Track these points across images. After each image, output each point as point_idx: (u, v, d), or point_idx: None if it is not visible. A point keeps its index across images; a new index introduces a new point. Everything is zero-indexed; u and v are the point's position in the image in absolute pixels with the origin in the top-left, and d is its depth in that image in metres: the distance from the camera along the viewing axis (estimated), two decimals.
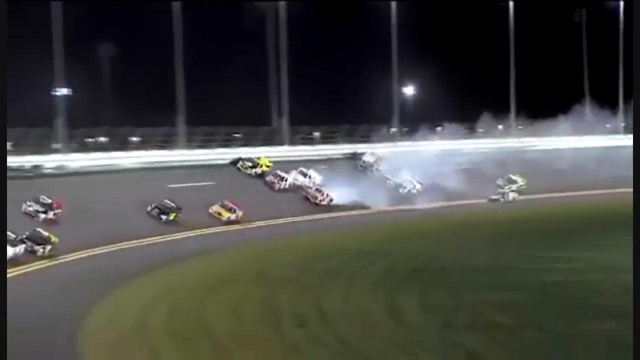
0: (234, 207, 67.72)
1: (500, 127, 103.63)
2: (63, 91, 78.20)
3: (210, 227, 65.74)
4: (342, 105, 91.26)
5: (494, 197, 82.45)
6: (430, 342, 35.38)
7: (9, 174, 68.99)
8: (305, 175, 78.68)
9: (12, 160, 71.29)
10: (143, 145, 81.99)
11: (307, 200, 75.87)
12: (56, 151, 77.05)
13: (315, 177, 78.67)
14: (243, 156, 80.00)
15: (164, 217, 64.68)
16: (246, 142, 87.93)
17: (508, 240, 62.17)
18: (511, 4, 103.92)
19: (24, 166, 71.94)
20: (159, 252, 56.94)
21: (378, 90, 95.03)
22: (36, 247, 52.77)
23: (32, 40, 76.21)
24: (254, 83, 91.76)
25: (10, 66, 75.01)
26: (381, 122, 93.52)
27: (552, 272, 49.31)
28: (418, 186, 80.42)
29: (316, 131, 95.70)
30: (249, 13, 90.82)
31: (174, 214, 64.38)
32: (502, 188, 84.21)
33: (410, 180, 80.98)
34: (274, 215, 69.68)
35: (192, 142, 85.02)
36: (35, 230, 53.77)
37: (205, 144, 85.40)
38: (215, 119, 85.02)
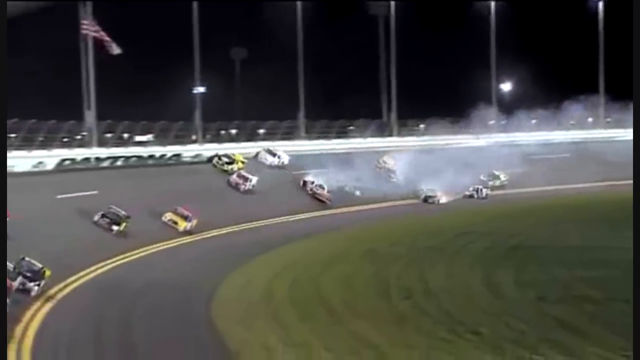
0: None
1: (589, 119, 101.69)
2: (200, 89, 79.45)
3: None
4: (446, 100, 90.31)
5: (467, 193, 77.10)
6: (525, 313, 34.98)
7: (152, 162, 70.41)
8: (274, 155, 73.61)
9: (156, 150, 72.74)
10: (268, 136, 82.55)
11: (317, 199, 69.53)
12: (194, 142, 78.23)
13: (284, 157, 73.67)
14: (220, 152, 72.21)
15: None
16: (359, 134, 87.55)
17: (596, 221, 60.86)
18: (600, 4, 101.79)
19: (165, 155, 73.17)
20: (286, 230, 57.14)
21: (477, 85, 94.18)
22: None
23: (174, 45, 77.69)
24: (367, 81, 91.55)
25: (155, 68, 76.70)
26: (480, 115, 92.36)
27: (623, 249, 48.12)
28: (504, 178, 79.51)
29: (422, 123, 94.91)
30: (363, 16, 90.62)
31: None
32: (486, 183, 79.50)
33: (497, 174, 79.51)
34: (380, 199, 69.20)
35: (312, 134, 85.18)
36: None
37: (323, 135, 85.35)
38: (332, 113, 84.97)
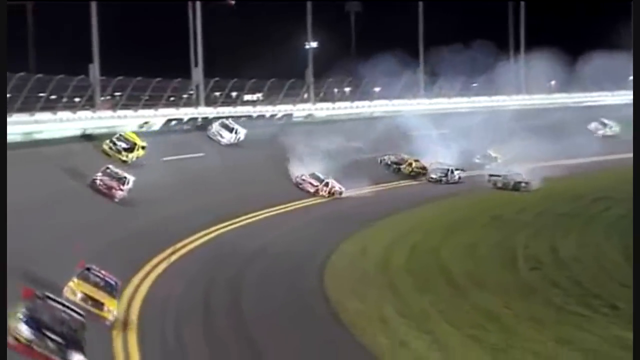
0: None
1: None
2: (312, 45, 79.37)
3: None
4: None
5: (433, 176, 64.59)
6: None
7: (262, 122, 70.84)
8: (231, 129, 63.59)
9: (266, 109, 73.14)
10: (383, 95, 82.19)
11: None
12: (305, 101, 78.32)
13: (241, 132, 63.71)
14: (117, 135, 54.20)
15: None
16: (484, 92, 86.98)
17: None
18: None
19: (276, 115, 73.45)
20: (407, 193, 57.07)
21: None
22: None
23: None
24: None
25: (265, 23, 76.57)
26: None
27: None
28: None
29: None
30: None
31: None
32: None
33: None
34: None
35: (429, 92, 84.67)
36: None
37: (442, 94, 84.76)
38: (452, 71, 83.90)
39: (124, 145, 52.21)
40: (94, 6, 61.89)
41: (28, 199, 35.79)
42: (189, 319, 28.37)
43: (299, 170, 55.96)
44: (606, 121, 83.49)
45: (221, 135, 62.10)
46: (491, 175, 62.25)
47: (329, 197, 54.54)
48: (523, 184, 60.20)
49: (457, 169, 64.72)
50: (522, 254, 40.32)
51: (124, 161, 50.42)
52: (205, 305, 30.28)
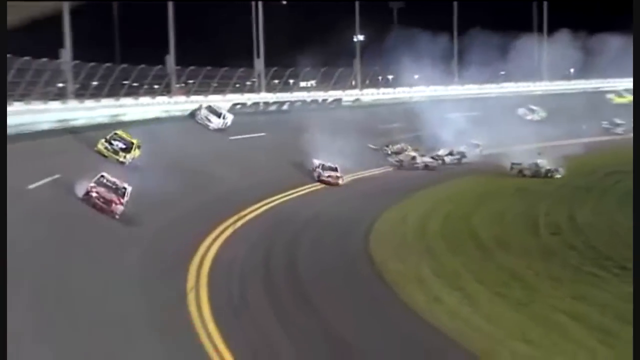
0: None
1: None
2: (360, 37, 79.46)
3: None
4: None
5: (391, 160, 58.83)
6: None
7: (315, 106, 70.95)
8: (219, 115, 57.26)
9: (318, 95, 73.42)
10: (422, 82, 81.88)
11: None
12: (354, 87, 78.48)
13: (228, 118, 57.59)
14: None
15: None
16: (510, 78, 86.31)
17: None
18: None
19: (327, 99, 73.67)
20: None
21: None
22: None
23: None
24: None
25: (318, 18, 76.44)
26: None
27: None
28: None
29: None
30: None
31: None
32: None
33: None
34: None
35: (464, 79, 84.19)
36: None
37: (475, 80, 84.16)
38: (482, 59, 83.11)
39: (120, 145, 43.17)
40: (170, 6, 62.61)
41: None
42: (252, 277, 28.59)
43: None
44: (534, 107, 79.26)
45: (209, 120, 56.03)
46: (514, 164, 55.88)
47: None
48: (554, 171, 54.86)
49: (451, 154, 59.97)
50: (543, 221, 40.15)
51: (122, 162, 41.93)
52: (265, 266, 30.41)
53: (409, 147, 59.67)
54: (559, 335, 23.41)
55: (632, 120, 19.80)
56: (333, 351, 21.99)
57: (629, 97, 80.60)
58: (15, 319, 18.02)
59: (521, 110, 76.67)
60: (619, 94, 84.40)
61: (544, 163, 55.25)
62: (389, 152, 59.19)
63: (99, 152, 42.50)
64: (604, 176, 53.25)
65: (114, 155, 42.27)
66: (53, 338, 19.88)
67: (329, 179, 48.54)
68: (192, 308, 23.92)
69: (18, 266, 21.25)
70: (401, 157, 58.05)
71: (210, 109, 57.76)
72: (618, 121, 76.15)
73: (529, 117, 76.42)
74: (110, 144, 42.89)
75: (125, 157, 42.57)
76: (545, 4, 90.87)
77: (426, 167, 57.45)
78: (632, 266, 13.71)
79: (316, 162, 49.85)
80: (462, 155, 60.48)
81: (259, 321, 23.88)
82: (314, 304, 26.12)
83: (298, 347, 21.82)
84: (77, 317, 21.44)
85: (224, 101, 65.06)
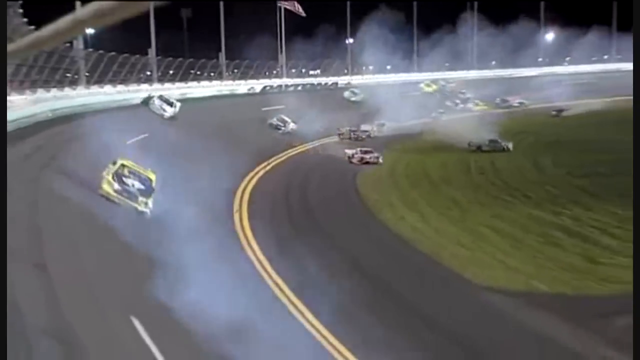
0: None
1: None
2: (350, 40, 78.00)
3: None
4: None
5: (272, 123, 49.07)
6: (558, 182, 34.09)
7: (320, 87, 70.37)
8: (171, 104, 45.53)
9: (322, 79, 72.69)
10: (395, 70, 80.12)
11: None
12: (346, 74, 77.32)
13: (177, 105, 45.55)
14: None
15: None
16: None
17: (603, 125, 57.24)
18: None
19: (328, 83, 72.91)
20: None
21: None
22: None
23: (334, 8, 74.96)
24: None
25: (324, 24, 73.76)
26: None
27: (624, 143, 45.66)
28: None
29: None
30: None
31: None
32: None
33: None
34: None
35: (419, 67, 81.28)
36: None
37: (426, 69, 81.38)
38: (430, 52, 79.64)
39: (137, 184, 22.67)
40: (221, 16, 62.16)
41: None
42: (277, 203, 28.86)
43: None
44: (356, 90, 66.33)
45: (164, 110, 44.43)
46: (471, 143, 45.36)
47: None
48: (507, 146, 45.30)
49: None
50: (474, 166, 40.07)
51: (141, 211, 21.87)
52: (285, 196, 30.62)
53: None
54: (483, 242, 23.78)
55: (633, 119, 19.30)
56: (324, 240, 22.59)
57: (434, 87, 71.30)
58: None
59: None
60: (427, 84, 71.74)
61: (499, 139, 46.16)
62: (273, 124, 49.14)
63: (107, 196, 21.61)
64: (512, 136, 52.83)
65: (129, 202, 21.71)
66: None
67: (371, 159, 39.63)
68: (236, 218, 24.61)
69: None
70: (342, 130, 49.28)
71: (163, 99, 46.20)
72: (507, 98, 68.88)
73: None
74: (122, 182, 22.10)
75: (146, 203, 21.93)
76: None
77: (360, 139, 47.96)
78: (633, 266, 13.57)
79: (349, 151, 40.98)
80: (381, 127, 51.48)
81: (277, 223, 24.36)
82: (316, 218, 26.43)
83: (302, 241, 22.25)
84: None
85: (257, 84, 64.91)
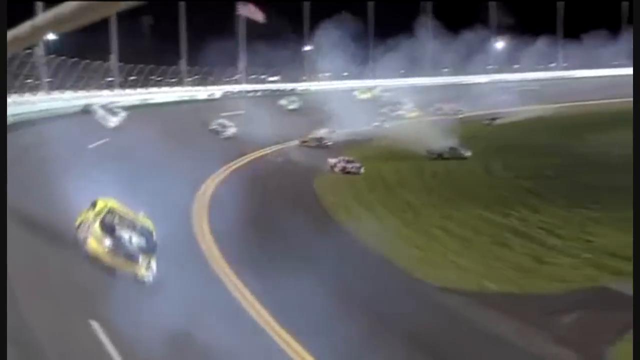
0: None
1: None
2: (307, 48, 78.12)
3: None
4: None
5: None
6: (507, 185, 34.55)
7: (279, 93, 70.26)
8: (115, 113, 42.27)
9: (281, 86, 72.59)
10: (349, 77, 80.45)
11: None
12: (305, 81, 77.46)
13: (122, 114, 42.30)
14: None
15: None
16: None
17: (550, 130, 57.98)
18: None
19: (286, 89, 72.84)
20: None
21: None
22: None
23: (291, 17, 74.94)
24: None
25: (283, 33, 73.48)
26: None
27: (582, 146, 46.63)
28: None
29: None
30: None
31: None
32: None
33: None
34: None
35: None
36: None
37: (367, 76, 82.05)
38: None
39: (135, 239, 16.01)
40: (182, 28, 61.82)
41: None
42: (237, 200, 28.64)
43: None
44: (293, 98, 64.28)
45: (108, 120, 41.10)
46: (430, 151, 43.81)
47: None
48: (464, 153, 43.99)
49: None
50: (427, 171, 40.13)
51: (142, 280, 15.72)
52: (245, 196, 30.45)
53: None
54: (436, 242, 23.95)
55: (633, 120, 19.28)
56: (280, 242, 22.34)
57: (369, 94, 69.08)
58: None
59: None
60: (361, 91, 69.78)
61: (458, 146, 44.38)
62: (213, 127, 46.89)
63: (95, 258, 15.61)
64: (465, 141, 53.08)
65: (126, 266, 15.70)
66: None
67: (352, 169, 38.14)
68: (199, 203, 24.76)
69: None
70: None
71: (106, 108, 42.84)
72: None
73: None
74: (114, 235, 15.85)
75: (149, 265, 15.91)
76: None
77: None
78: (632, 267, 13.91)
79: (332, 160, 39.10)
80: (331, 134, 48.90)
81: (231, 210, 24.32)
82: (277, 218, 26.19)
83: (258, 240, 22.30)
84: None
85: (218, 90, 64.58)
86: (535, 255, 22.20)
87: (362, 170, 38.26)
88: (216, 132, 45.98)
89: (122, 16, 45.51)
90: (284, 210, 27.68)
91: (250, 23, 69.45)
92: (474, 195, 32.06)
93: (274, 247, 21.63)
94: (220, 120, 47.40)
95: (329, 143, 46.83)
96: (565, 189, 32.90)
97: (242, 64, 70.62)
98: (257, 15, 68.52)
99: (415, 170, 40.22)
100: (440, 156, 43.45)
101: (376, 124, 54.00)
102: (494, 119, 61.33)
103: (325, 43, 62.58)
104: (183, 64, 64.17)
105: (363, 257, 21.99)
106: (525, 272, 20.47)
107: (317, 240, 23.02)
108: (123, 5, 3.25)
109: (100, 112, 42.00)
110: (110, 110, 42.64)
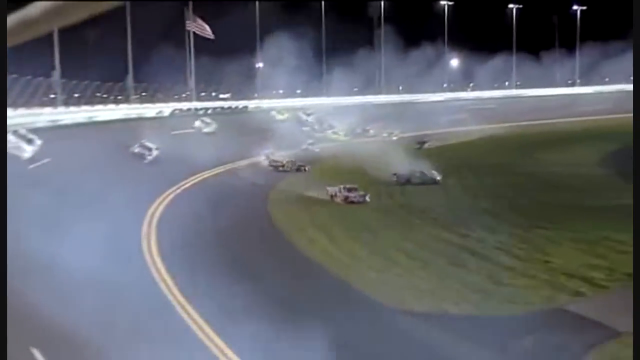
0: None
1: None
2: (260, 65, 78.46)
3: None
4: None
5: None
6: (464, 205, 34.90)
7: (230, 111, 70.18)
8: (29, 140, 37.24)
9: (233, 103, 72.60)
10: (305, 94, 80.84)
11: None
12: (255, 98, 77.52)
13: (38, 142, 37.59)
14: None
15: None
16: None
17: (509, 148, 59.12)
18: None
19: (238, 106, 72.86)
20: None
21: None
22: None
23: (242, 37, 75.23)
24: None
25: (232, 51, 73.52)
26: None
27: (537, 165, 47.67)
28: None
29: None
30: None
31: None
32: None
33: None
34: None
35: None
36: None
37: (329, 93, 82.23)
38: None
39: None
40: (129, 42, 61.24)
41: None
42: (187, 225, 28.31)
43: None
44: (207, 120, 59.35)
45: (22, 149, 34.77)
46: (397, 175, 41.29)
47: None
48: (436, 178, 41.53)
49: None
50: (384, 191, 39.52)
51: None
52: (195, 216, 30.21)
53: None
54: (393, 264, 24.03)
55: (632, 120, 19.37)
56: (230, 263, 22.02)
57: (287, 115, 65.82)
58: None
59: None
60: (279, 111, 67.01)
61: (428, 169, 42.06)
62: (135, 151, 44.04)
63: None
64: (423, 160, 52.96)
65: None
66: None
67: (356, 199, 35.15)
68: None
69: None
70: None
71: (19, 135, 36.38)
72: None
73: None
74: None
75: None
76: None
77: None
78: (632, 269, 14.05)
79: (331, 189, 35.96)
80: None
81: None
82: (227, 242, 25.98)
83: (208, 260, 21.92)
84: None
85: (166, 107, 64.17)
86: (493, 276, 22.44)
87: (367, 198, 35.30)
88: (140, 156, 42.75)
89: (64, 30, 44.65)
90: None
91: (201, 39, 69.34)
92: (431, 216, 32.30)
93: (223, 271, 21.41)
94: (142, 142, 44.60)
95: (307, 167, 44.41)
96: (521, 208, 33.44)
97: (191, 80, 70.31)
98: (206, 31, 68.39)
99: (374, 190, 39.91)
100: (408, 181, 40.35)
101: (304, 147, 50.98)
102: (423, 142, 55.98)
103: (277, 59, 62.85)
104: (130, 80, 63.55)
105: (318, 280, 21.95)
106: (483, 294, 20.67)
107: (269, 262, 22.94)
108: (105, 6, 3.13)
109: (13, 140, 34.47)
110: (24, 137, 36.45)
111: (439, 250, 25.90)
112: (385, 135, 58.58)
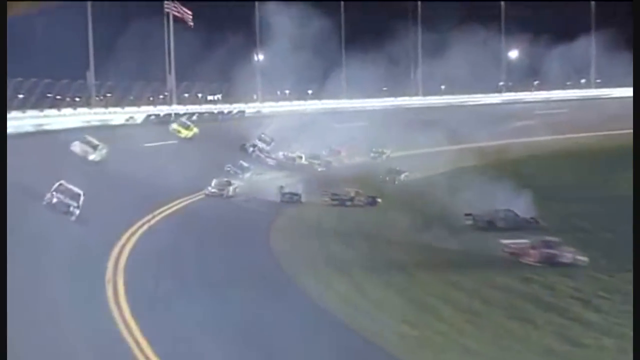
0: None
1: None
2: (260, 57, 78.87)
3: None
4: None
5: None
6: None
7: (221, 117, 70.46)
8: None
9: (224, 107, 72.90)
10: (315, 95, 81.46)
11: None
12: (257, 100, 78.00)
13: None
14: None
15: None
16: None
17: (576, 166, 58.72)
18: None
19: (232, 111, 73.04)
20: None
21: None
22: None
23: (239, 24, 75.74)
24: None
25: (222, 42, 73.97)
26: None
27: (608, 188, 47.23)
28: None
29: None
30: None
31: None
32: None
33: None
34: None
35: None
36: None
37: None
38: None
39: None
40: (90, 29, 61.55)
41: None
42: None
43: None
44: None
45: None
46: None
47: None
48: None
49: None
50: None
51: None
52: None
53: None
54: (434, 317, 23.76)
55: (632, 120, 19.22)
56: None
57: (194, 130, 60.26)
58: None
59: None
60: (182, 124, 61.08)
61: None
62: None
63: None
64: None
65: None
66: None
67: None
68: None
69: None
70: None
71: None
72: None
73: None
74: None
75: None
76: None
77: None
78: (632, 268, 13.59)
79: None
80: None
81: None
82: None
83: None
84: None
85: (139, 112, 64.42)
86: (567, 334, 22.16)
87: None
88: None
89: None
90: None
91: (184, 26, 69.65)
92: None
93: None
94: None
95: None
96: (604, 244, 33.14)
97: (171, 77, 70.54)
98: (187, 16, 68.89)
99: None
100: (490, 224, 38.38)
101: (211, 189, 43.35)
102: (399, 172, 52.21)
103: (283, 52, 63.20)
104: (91, 77, 63.77)
105: (337, 339, 21.77)
106: (554, 358, 20.39)
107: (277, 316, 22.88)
108: None
109: None
110: None
111: (494, 299, 25.73)
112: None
